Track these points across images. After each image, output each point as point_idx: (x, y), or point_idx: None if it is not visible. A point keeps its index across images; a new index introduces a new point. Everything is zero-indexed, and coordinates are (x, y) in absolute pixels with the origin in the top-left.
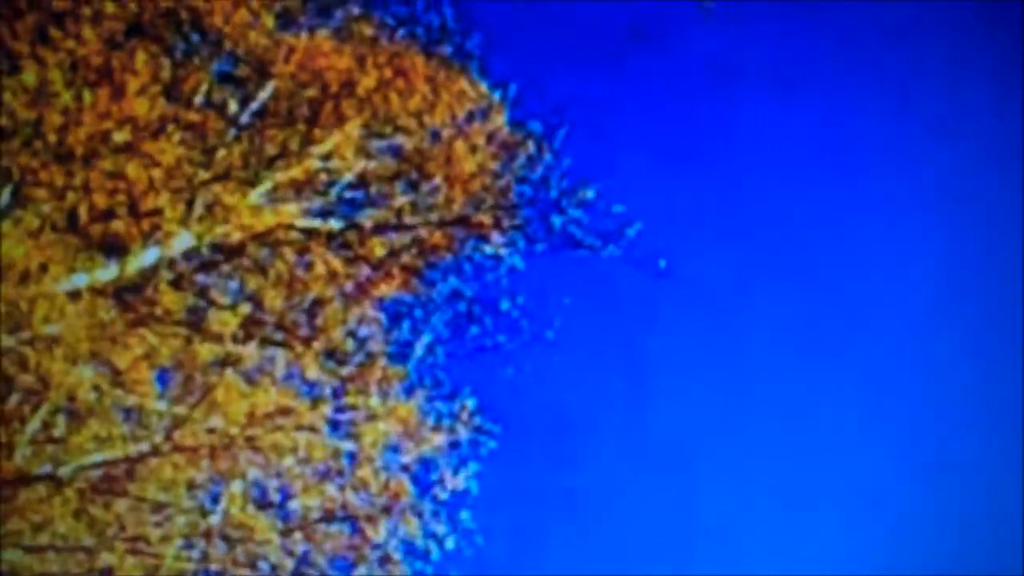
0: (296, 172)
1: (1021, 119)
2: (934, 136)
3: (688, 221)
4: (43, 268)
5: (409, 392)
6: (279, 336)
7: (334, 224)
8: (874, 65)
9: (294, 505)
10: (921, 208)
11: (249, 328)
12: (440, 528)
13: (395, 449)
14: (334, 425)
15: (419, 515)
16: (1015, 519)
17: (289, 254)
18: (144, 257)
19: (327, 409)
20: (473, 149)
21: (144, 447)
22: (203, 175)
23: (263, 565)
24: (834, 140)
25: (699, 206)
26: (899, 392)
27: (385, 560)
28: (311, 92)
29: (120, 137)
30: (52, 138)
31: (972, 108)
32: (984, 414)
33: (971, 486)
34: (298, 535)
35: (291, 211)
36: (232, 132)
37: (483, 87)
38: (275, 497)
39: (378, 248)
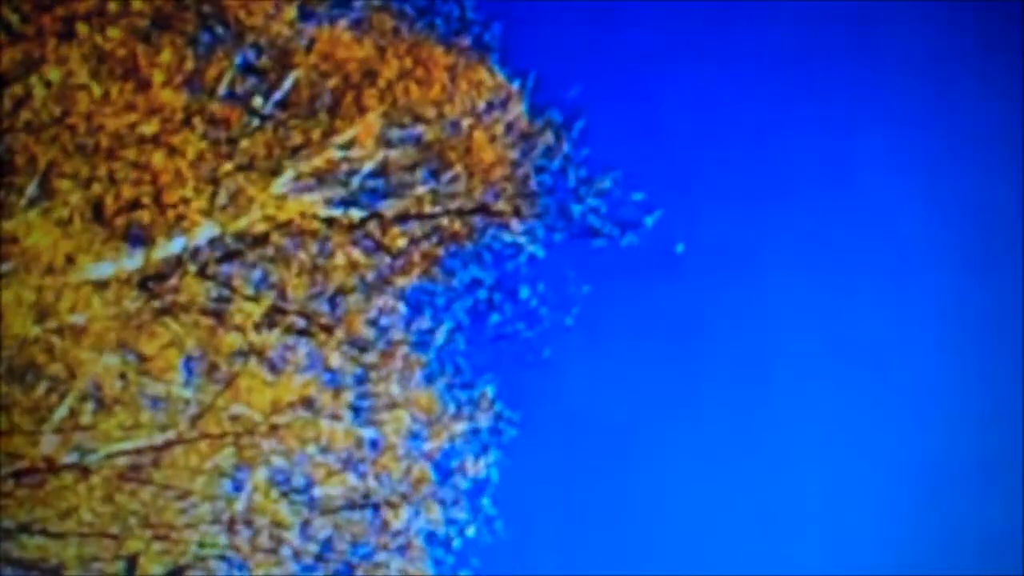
0: (318, 162)
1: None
2: (949, 129)
3: (706, 210)
4: (70, 259)
5: (430, 380)
6: (302, 325)
7: (355, 213)
8: (895, 58)
9: (317, 492)
10: (934, 202)
11: (272, 317)
12: (461, 515)
13: (416, 436)
14: (356, 413)
15: (440, 502)
16: (1015, 519)
17: (311, 244)
18: (169, 247)
19: (349, 397)
20: (492, 139)
21: (170, 435)
22: (227, 166)
23: (286, 551)
24: (853, 130)
25: (717, 195)
26: (908, 390)
27: (407, 547)
28: (332, 83)
29: (145, 129)
30: (79, 130)
31: (990, 101)
32: (986, 413)
33: (972, 486)
34: (321, 522)
35: (313, 201)
36: (255, 123)
37: (502, 77)
38: (298, 484)
39: (399, 237)
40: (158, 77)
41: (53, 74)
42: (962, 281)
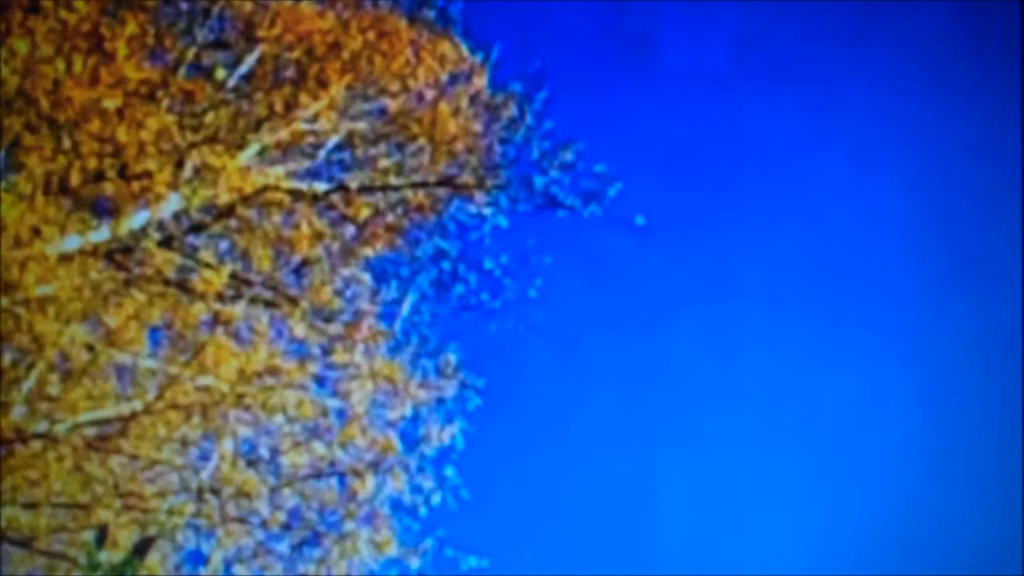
0: (283, 135)
1: (1020, 114)
2: (928, 98)
3: (666, 182)
4: (36, 231)
5: (395, 350)
6: (268, 296)
7: (320, 186)
8: (879, 45)
9: (284, 461)
10: (916, 170)
11: (238, 288)
12: (427, 483)
13: (382, 406)
14: (322, 383)
15: (406, 470)
16: (1015, 518)
17: (276, 215)
18: (135, 219)
19: (315, 367)
20: (456, 111)
21: (137, 405)
22: (192, 138)
23: (253, 520)
24: (822, 100)
25: (677, 167)
26: (895, 381)
27: (373, 515)
28: (296, 56)
29: (110, 102)
30: (43, 104)
31: (968, 97)
32: (983, 409)
33: (971, 483)
34: (288, 491)
35: (278, 173)
36: (220, 96)
37: (465, 50)
38: (265, 454)
39: (364, 209)
40: (122, 51)
41: (19, 45)
42: (960, 270)
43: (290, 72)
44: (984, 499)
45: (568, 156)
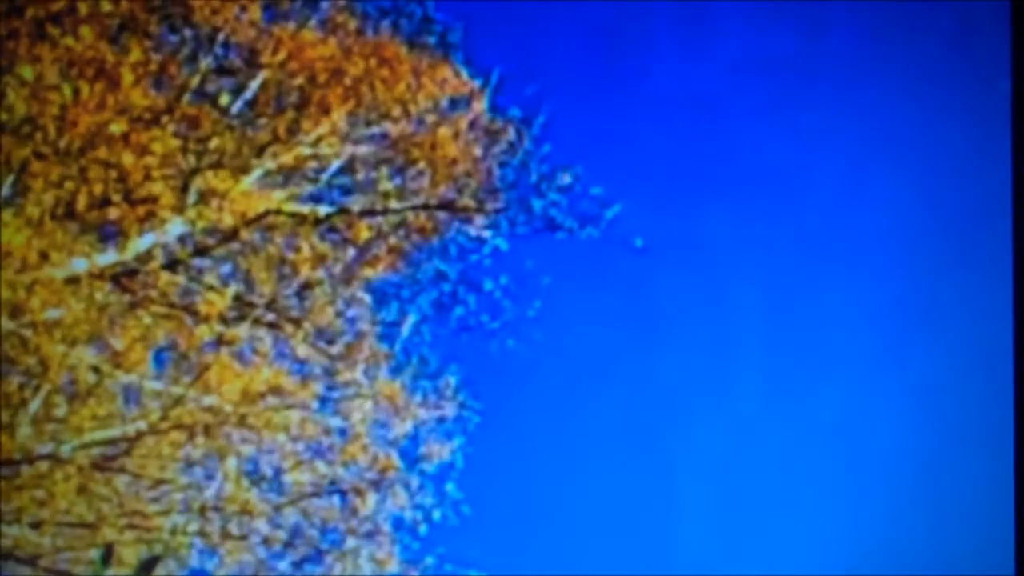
0: (286, 159)
1: (1010, 115)
2: (921, 122)
3: (664, 203)
4: (43, 255)
5: (396, 370)
6: (271, 317)
7: (323, 209)
8: (869, 52)
9: (286, 480)
10: (906, 190)
11: (241, 309)
12: (427, 500)
13: (383, 425)
14: (324, 403)
15: (407, 488)
16: (1006, 518)
17: (279, 238)
18: (140, 243)
19: (317, 387)
20: (456, 135)
21: (142, 425)
22: (196, 163)
23: (256, 538)
24: (815, 122)
25: (674, 190)
26: (887, 385)
27: (374, 532)
28: (299, 82)
29: (116, 128)
30: (50, 130)
31: (956, 101)
32: (974, 410)
33: (961, 484)
34: (290, 509)
35: (281, 197)
36: (224, 121)
37: (465, 76)
38: (268, 472)
39: (365, 232)
40: (127, 77)
41: (26, 72)
42: (937, 271)
43: (293, 98)
44: (976, 500)
45: (566, 179)
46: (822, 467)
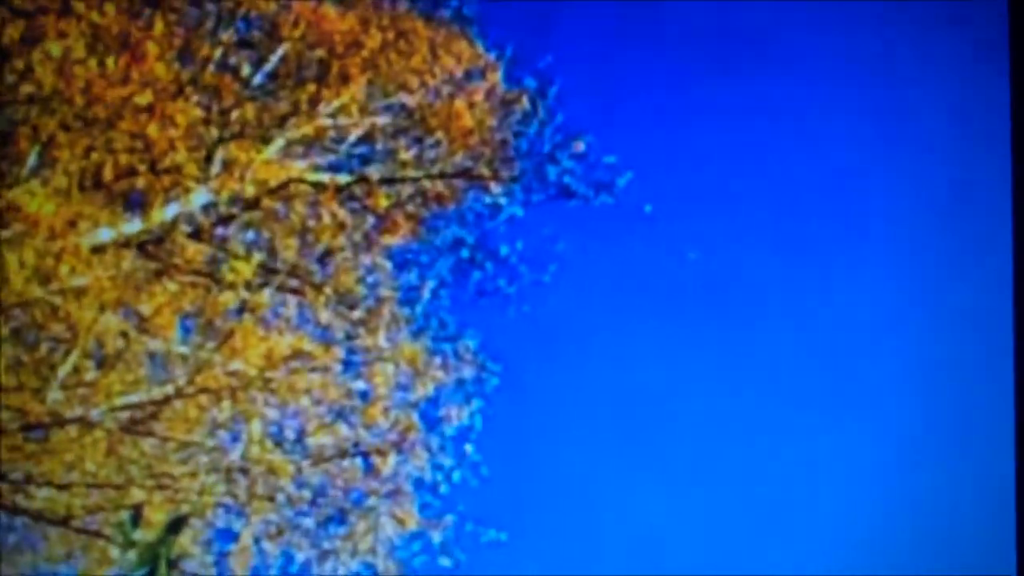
0: (306, 129)
1: (1010, 117)
2: (925, 115)
3: (675, 171)
4: (71, 224)
5: (416, 334)
6: (293, 283)
7: (343, 178)
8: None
9: (310, 442)
10: (916, 193)
11: (265, 276)
12: (447, 461)
13: (404, 388)
14: (346, 366)
15: (427, 449)
16: (1007, 518)
17: (301, 206)
18: (165, 212)
19: (339, 351)
20: (472, 106)
21: (169, 389)
22: (219, 134)
23: (281, 498)
24: (824, 92)
25: (686, 157)
26: (889, 382)
27: (396, 492)
28: (319, 54)
29: (141, 100)
30: (77, 102)
31: (966, 96)
32: (975, 411)
33: (962, 483)
34: (313, 470)
35: (302, 166)
36: (246, 93)
37: (480, 48)
38: (292, 435)
39: (384, 200)
40: (152, 50)
41: (53, 49)
42: (953, 275)
43: (313, 70)
44: (976, 499)
45: (580, 148)
46: (821, 458)
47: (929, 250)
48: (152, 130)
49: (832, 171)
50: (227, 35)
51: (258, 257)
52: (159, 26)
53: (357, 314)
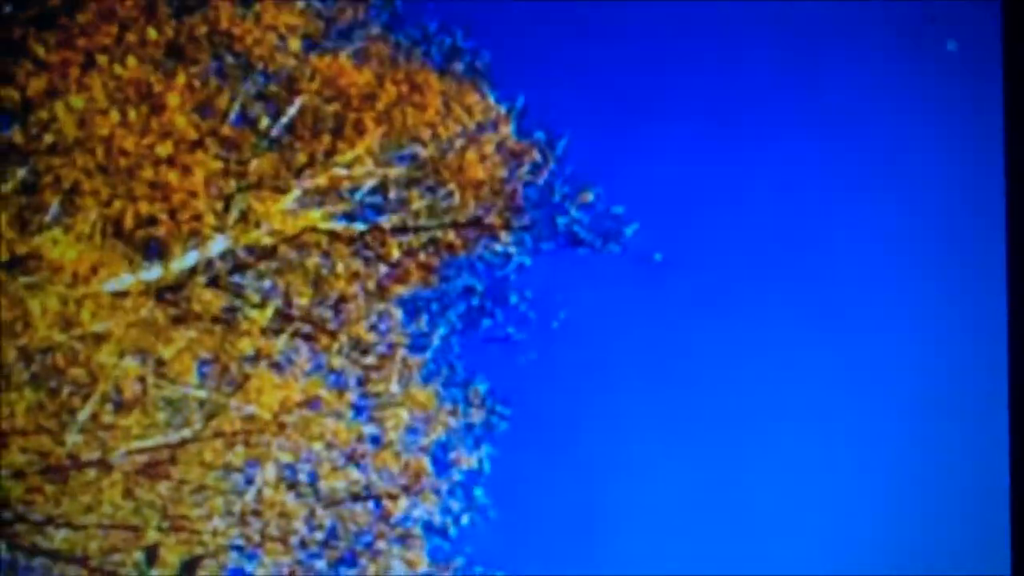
0: (322, 180)
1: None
2: (922, 135)
3: (682, 221)
4: (93, 271)
5: (427, 379)
6: (307, 330)
7: (357, 227)
8: (871, 56)
9: (322, 485)
10: (911, 208)
11: (280, 323)
12: (456, 505)
13: (414, 432)
14: (358, 411)
15: (437, 493)
16: (1001, 519)
17: (316, 255)
18: (184, 259)
19: (352, 396)
20: (483, 157)
21: (185, 433)
22: (237, 184)
23: (294, 540)
24: (830, 140)
25: (693, 206)
26: (888, 390)
27: (406, 536)
28: (335, 107)
29: (161, 150)
30: (99, 152)
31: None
32: (970, 410)
33: (956, 484)
34: (325, 513)
35: (317, 215)
36: (264, 144)
37: (492, 101)
38: (305, 478)
39: (396, 249)
40: (172, 102)
41: (76, 102)
42: (949, 279)
43: (329, 122)
44: (971, 501)
45: (588, 198)
46: (829, 470)
47: (928, 256)
48: (172, 180)
49: (847, 215)
50: (245, 88)
51: (273, 304)
52: (180, 78)
53: (369, 360)
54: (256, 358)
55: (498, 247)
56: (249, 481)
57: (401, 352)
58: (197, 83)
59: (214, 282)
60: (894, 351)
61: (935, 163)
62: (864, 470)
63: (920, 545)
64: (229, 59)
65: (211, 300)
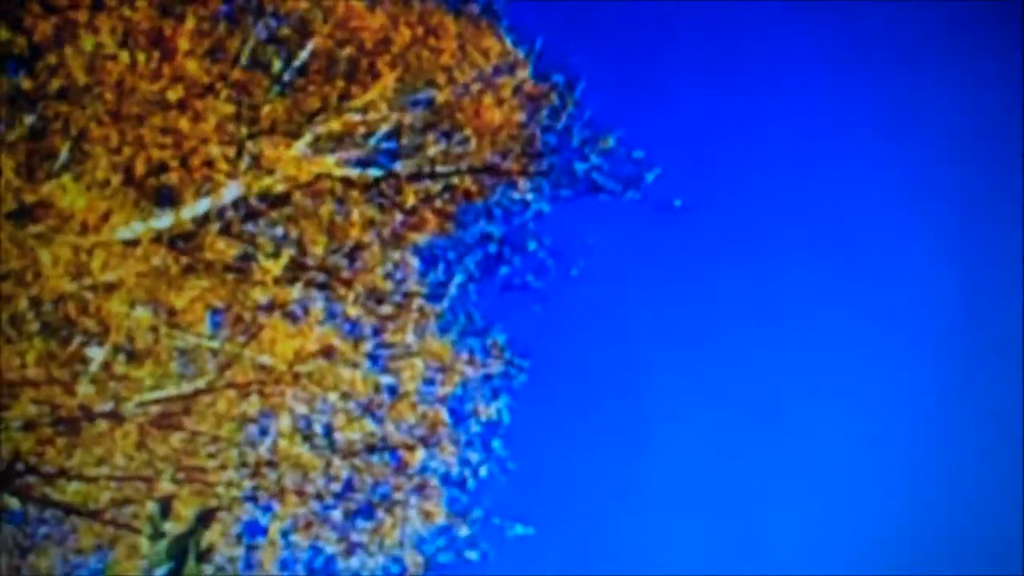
0: (335, 125)
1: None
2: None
3: (704, 166)
4: (103, 219)
5: (444, 329)
6: (322, 279)
7: (372, 173)
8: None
9: (338, 437)
10: (934, 152)
11: (294, 271)
12: (474, 456)
13: (431, 383)
14: (374, 361)
15: (455, 444)
16: (1015, 519)
17: (330, 202)
18: (196, 207)
19: (367, 346)
20: (500, 102)
21: (198, 384)
22: (249, 129)
23: (309, 492)
24: (853, 86)
25: (714, 152)
26: (902, 387)
27: (423, 487)
28: (348, 51)
29: (172, 96)
30: (109, 98)
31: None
32: (984, 412)
33: (970, 485)
34: (341, 464)
35: (331, 162)
36: (276, 89)
37: (508, 44)
38: (320, 429)
39: (412, 196)
40: (183, 46)
41: (86, 43)
42: (965, 278)
43: (342, 66)
44: (984, 499)
45: (608, 143)
46: (837, 459)
47: (945, 255)
48: (183, 126)
49: (867, 159)
50: (257, 32)
51: (287, 253)
52: (190, 22)
53: (385, 309)
54: (270, 308)
55: (516, 194)
56: (264, 432)
57: (417, 301)
58: (207, 26)
59: (226, 230)
60: (912, 348)
61: (958, 109)
62: (878, 472)
63: (934, 547)
64: (239, 1)
65: (223, 249)
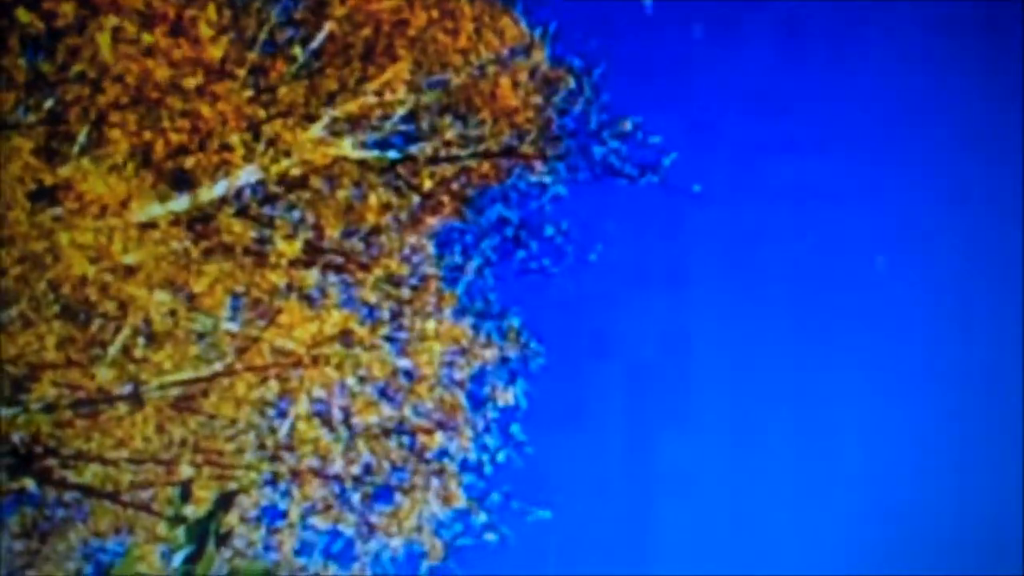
0: (352, 108)
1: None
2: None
3: (722, 151)
4: (123, 202)
5: (461, 313)
6: (339, 262)
7: (388, 156)
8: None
9: (355, 420)
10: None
11: (311, 255)
12: (492, 441)
13: (449, 367)
14: (392, 345)
15: (473, 428)
16: (1015, 519)
17: (347, 185)
18: (214, 190)
19: (385, 330)
20: (517, 84)
21: (217, 367)
22: (267, 112)
23: (327, 475)
24: (872, 75)
25: (733, 136)
26: (906, 385)
27: (441, 471)
28: (365, 33)
29: (191, 80)
30: (129, 81)
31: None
32: (984, 411)
33: (970, 485)
34: (360, 448)
35: (348, 144)
36: (292, 72)
37: (525, 26)
38: (338, 413)
39: (429, 179)
40: (204, 32)
41: (105, 23)
42: (967, 275)
43: (359, 48)
44: (984, 499)
45: (626, 127)
46: (837, 458)
47: (946, 255)
48: (202, 109)
49: (888, 147)
50: (274, 14)
51: (304, 236)
52: (211, 8)
53: (402, 293)
54: (288, 291)
55: (533, 177)
56: (282, 415)
57: (434, 285)
58: (225, 10)
59: (244, 213)
60: (915, 349)
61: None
62: (879, 471)
63: (934, 545)
64: None
65: (240, 232)
